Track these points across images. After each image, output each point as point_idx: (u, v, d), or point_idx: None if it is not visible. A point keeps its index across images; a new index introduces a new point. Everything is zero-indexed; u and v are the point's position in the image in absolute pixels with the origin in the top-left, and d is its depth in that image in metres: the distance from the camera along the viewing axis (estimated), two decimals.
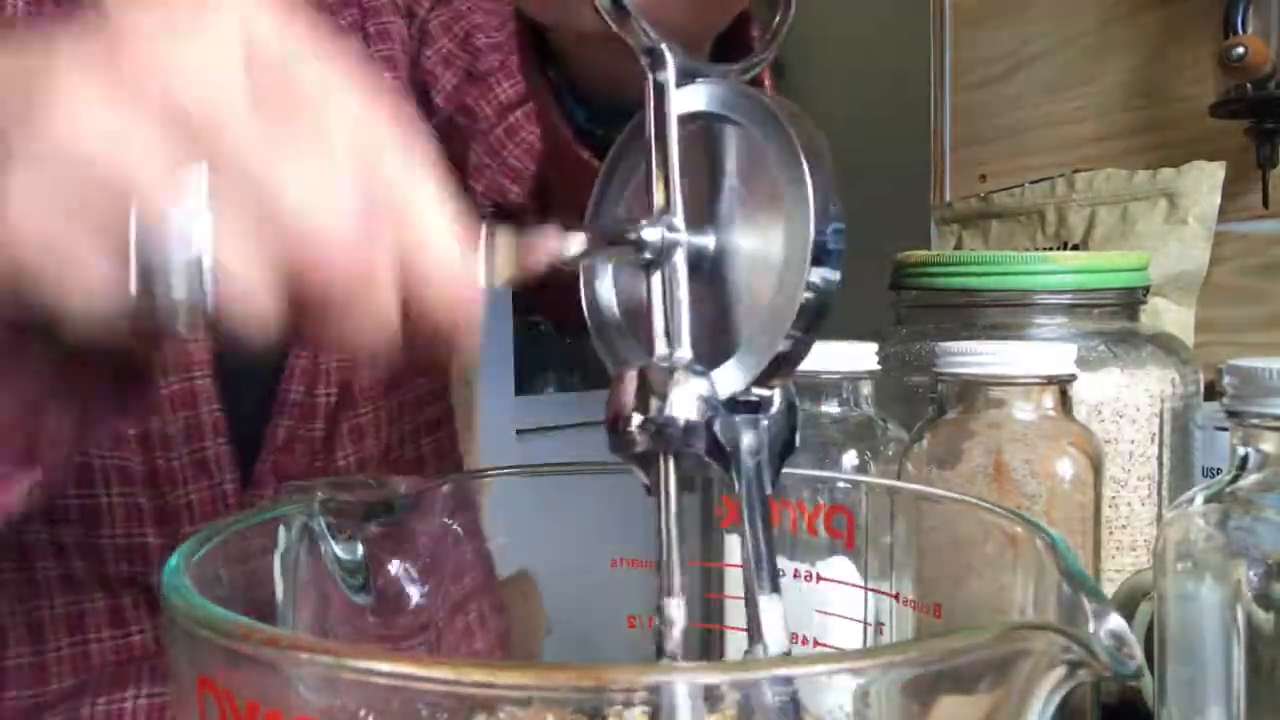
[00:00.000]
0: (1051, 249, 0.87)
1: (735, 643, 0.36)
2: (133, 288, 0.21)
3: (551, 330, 0.64)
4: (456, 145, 0.56)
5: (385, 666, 0.15)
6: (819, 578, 0.35)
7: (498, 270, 0.23)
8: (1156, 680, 0.36)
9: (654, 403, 0.22)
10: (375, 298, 0.22)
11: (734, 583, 0.36)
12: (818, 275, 0.21)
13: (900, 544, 0.33)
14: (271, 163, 0.21)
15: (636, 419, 0.22)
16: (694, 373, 0.22)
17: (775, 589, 0.22)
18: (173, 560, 0.21)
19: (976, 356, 0.43)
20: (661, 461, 0.23)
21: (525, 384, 1.97)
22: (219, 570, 0.25)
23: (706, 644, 0.35)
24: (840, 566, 0.35)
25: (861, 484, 0.36)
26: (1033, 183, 0.90)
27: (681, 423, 0.22)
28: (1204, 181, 0.81)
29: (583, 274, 0.27)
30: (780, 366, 0.22)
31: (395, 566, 0.31)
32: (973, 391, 0.43)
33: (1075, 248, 0.85)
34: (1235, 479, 0.35)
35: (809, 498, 0.35)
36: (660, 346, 0.24)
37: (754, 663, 0.17)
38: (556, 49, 0.36)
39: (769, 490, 0.23)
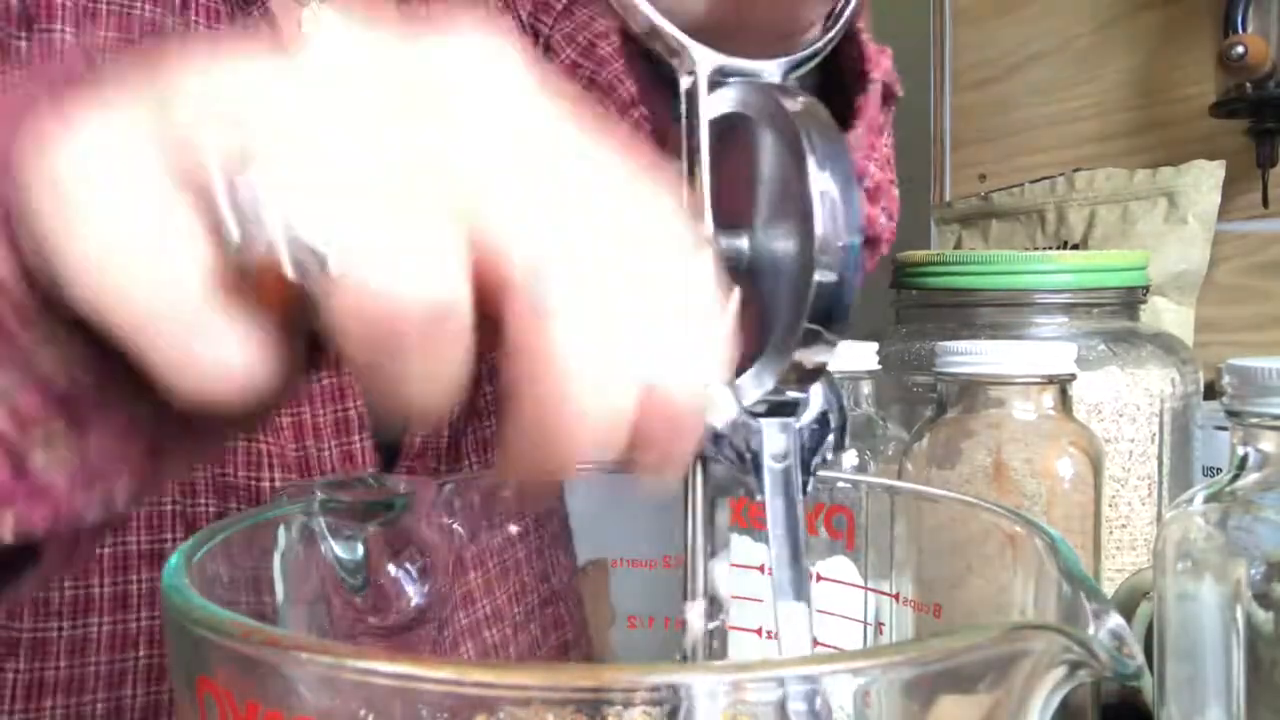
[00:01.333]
0: (1051, 248, 0.87)
1: (738, 642, 0.36)
2: None
3: None
4: None
5: (385, 667, 0.15)
6: (819, 577, 0.35)
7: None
8: (1156, 680, 0.36)
9: None
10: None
11: (737, 583, 0.36)
12: (824, 280, 0.21)
13: (900, 544, 0.33)
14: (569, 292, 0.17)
15: None
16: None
17: (799, 596, 0.22)
18: (173, 560, 0.21)
19: (976, 356, 0.43)
20: (690, 465, 0.23)
21: None
22: (219, 570, 0.25)
23: (709, 644, 0.35)
24: (840, 566, 0.35)
25: (861, 484, 0.36)
26: (1033, 182, 0.90)
27: (705, 429, 0.22)
28: (1204, 181, 0.81)
29: None
30: (800, 370, 0.22)
31: (395, 566, 0.31)
32: (973, 391, 0.43)
33: (1075, 247, 0.85)
34: (1235, 479, 0.35)
35: (809, 497, 0.35)
36: None
37: (755, 664, 0.17)
38: None
39: (800, 495, 0.23)
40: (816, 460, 0.24)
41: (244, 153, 0.17)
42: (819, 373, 0.23)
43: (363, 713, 0.16)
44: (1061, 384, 0.43)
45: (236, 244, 0.16)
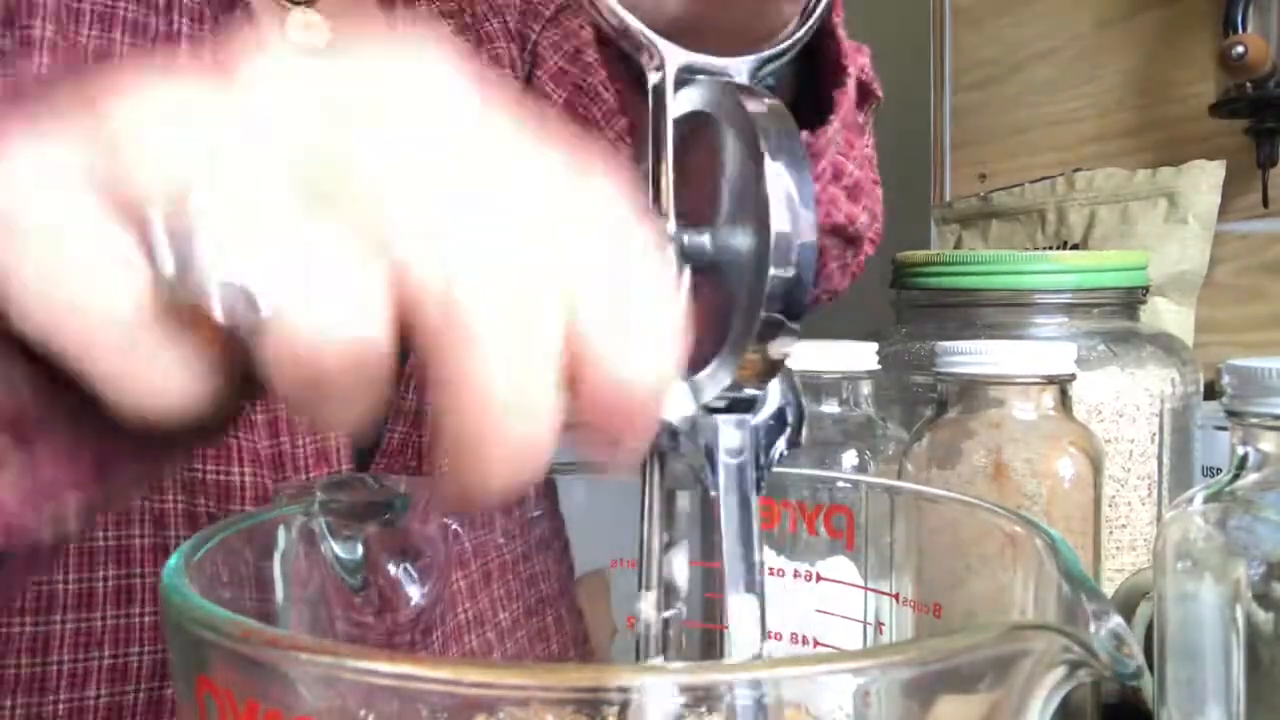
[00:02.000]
0: (1051, 248, 0.87)
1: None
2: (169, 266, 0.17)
3: None
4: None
5: (385, 666, 0.15)
6: (819, 577, 0.35)
7: None
8: (1156, 680, 0.36)
9: None
10: (532, 355, 0.17)
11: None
12: (780, 275, 0.21)
13: (900, 544, 0.33)
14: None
15: None
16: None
17: (750, 589, 0.22)
18: (172, 560, 0.21)
19: (976, 356, 0.43)
20: (646, 459, 0.24)
21: None
22: (219, 570, 0.25)
23: (708, 644, 0.35)
24: (840, 566, 0.35)
25: (861, 484, 0.36)
26: (1033, 182, 0.90)
27: (661, 424, 0.22)
28: (1204, 181, 0.81)
29: None
30: (759, 365, 0.23)
31: (395, 566, 0.31)
32: (973, 391, 0.43)
33: (1075, 247, 0.85)
34: (1235, 479, 0.35)
35: (809, 497, 0.35)
36: None
37: (751, 664, 0.17)
38: None
39: (756, 491, 0.23)
40: (772, 456, 0.24)
41: (179, 188, 0.17)
42: (776, 369, 0.23)
43: (362, 713, 0.16)
44: (1061, 384, 0.43)
45: (170, 279, 0.17)
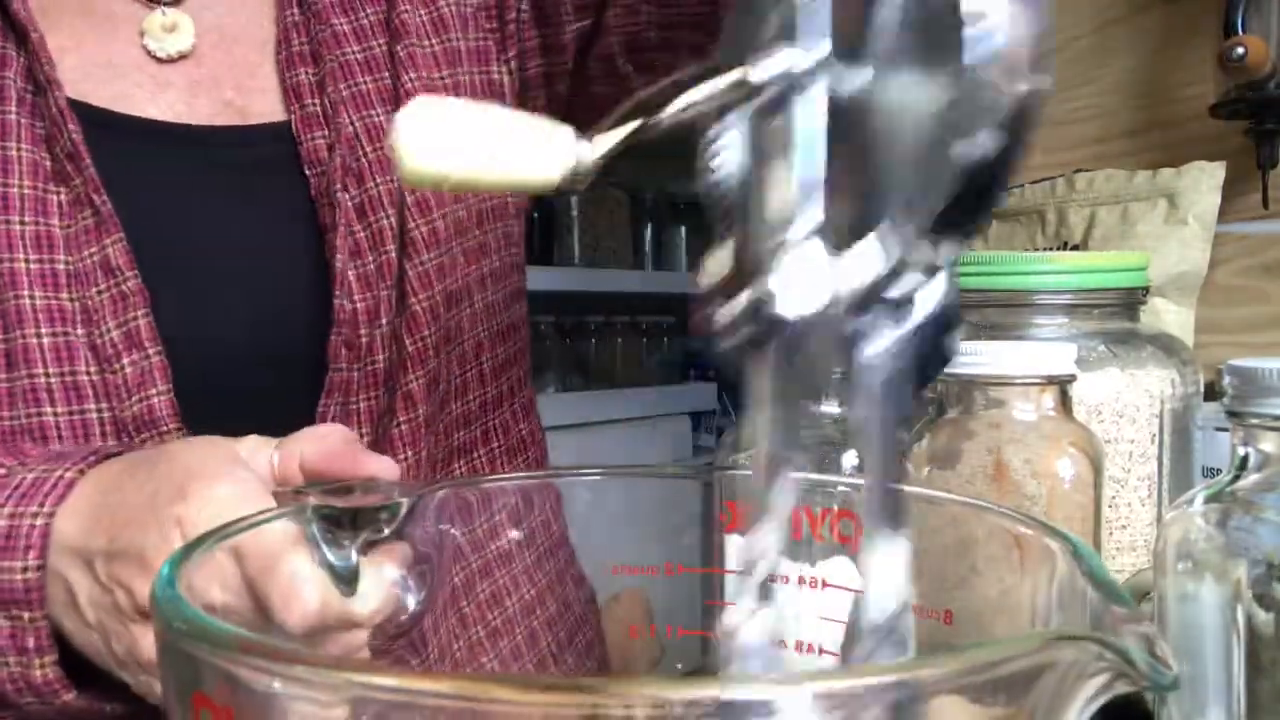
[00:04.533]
0: (1051, 249, 0.86)
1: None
2: None
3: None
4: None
5: (389, 681, 0.14)
6: (824, 584, 0.35)
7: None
8: None
9: (755, 283, 0.17)
10: None
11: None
12: (988, 125, 0.15)
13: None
14: None
15: (725, 301, 0.17)
16: (811, 249, 0.17)
17: (897, 526, 0.17)
18: (165, 569, 0.20)
19: (976, 356, 0.43)
20: (753, 361, 0.18)
21: None
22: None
23: (704, 652, 0.35)
24: (841, 567, 0.35)
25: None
26: (1033, 183, 0.90)
27: (781, 311, 0.16)
28: (1204, 181, 0.81)
29: (702, 139, 0.20)
30: (931, 246, 0.16)
31: (389, 574, 0.31)
32: (972, 392, 0.43)
33: (1075, 248, 0.85)
34: (1235, 479, 0.34)
35: (815, 501, 0.34)
36: (776, 213, 0.18)
37: (785, 679, 0.16)
38: None
39: (904, 412, 0.17)
40: (928, 374, 0.18)
41: None
42: (948, 249, 0.17)
43: None
44: (1061, 385, 0.43)
45: None
